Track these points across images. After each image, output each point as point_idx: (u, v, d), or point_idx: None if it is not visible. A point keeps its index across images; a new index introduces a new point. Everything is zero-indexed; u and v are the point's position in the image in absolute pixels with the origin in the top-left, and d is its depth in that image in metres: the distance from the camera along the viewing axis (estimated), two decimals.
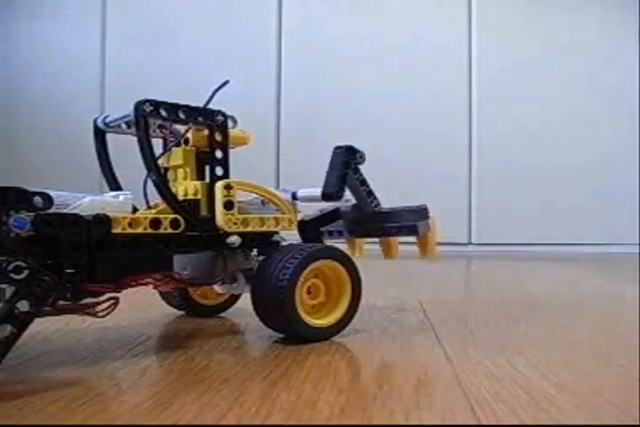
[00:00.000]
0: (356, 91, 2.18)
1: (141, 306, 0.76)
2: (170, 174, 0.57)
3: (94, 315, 0.47)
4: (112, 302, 0.47)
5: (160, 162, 0.54)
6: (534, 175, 2.18)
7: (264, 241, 0.58)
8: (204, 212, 0.54)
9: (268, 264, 0.53)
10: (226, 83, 0.55)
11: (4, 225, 0.39)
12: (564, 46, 2.20)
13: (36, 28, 2.23)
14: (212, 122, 0.54)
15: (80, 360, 0.48)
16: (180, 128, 0.57)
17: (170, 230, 0.50)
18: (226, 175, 0.55)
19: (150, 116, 0.50)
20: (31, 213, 0.41)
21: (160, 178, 0.50)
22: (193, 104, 0.53)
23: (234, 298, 0.71)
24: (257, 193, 0.57)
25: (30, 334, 0.46)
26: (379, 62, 2.19)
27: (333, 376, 0.43)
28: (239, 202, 0.55)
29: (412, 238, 0.67)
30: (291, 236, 0.60)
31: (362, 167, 0.66)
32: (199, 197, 0.54)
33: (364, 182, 0.65)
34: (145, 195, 0.54)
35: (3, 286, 0.39)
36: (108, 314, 0.47)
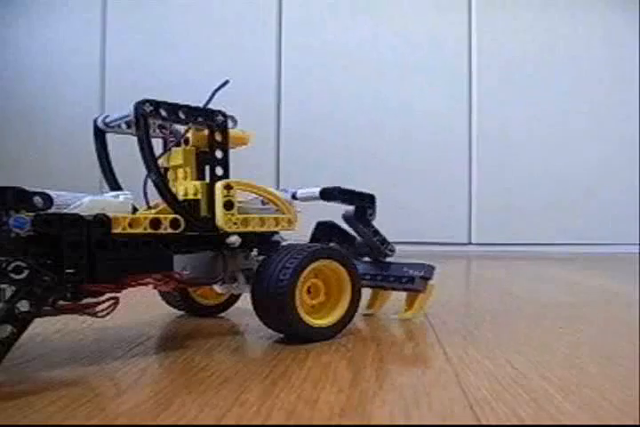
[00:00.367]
0: (356, 91, 2.18)
1: (141, 306, 0.76)
2: (170, 174, 0.57)
3: (94, 315, 0.47)
4: (112, 302, 0.47)
5: (160, 162, 0.54)
6: (534, 175, 2.19)
7: (264, 241, 0.58)
8: (204, 212, 0.54)
9: (267, 264, 0.53)
10: (226, 83, 0.55)
11: (4, 225, 0.39)
12: (564, 49, 2.20)
13: (36, 27, 2.23)
14: (212, 122, 0.54)
15: (80, 360, 0.48)
16: (180, 128, 0.57)
17: (170, 230, 0.50)
18: (226, 175, 0.55)
19: (150, 116, 0.50)
20: (31, 213, 0.41)
21: (160, 178, 0.50)
22: (193, 104, 0.53)
23: (234, 298, 0.71)
24: (257, 193, 0.57)
25: (30, 334, 0.46)
26: (379, 63, 2.19)
27: (333, 376, 0.43)
28: (239, 202, 0.55)
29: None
30: (291, 236, 0.60)
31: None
32: (199, 197, 0.54)
33: (377, 233, 0.67)
34: (145, 195, 0.54)
35: (3, 286, 0.39)
36: (108, 314, 0.47)
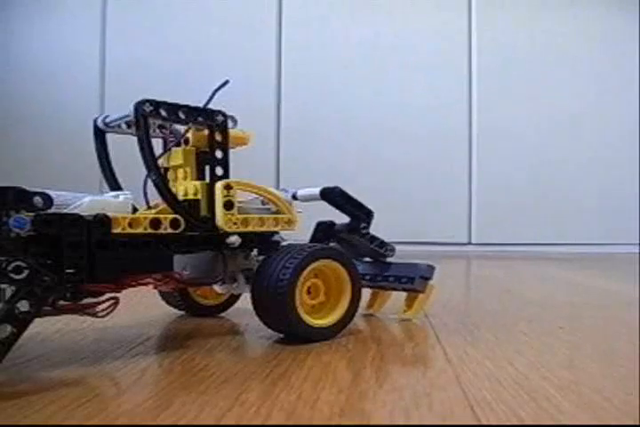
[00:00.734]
0: (356, 90, 2.18)
1: (141, 306, 0.76)
2: (170, 174, 0.57)
3: (94, 315, 0.47)
4: (112, 302, 0.47)
5: (160, 162, 0.54)
6: (534, 175, 2.19)
7: (264, 241, 0.58)
8: (204, 212, 0.54)
9: (268, 264, 0.53)
10: (226, 83, 0.55)
11: (4, 225, 0.39)
12: (564, 48, 2.20)
13: (36, 27, 2.23)
14: (212, 122, 0.54)
15: (80, 360, 0.48)
16: (180, 128, 0.57)
17: (170, 230, 0.50)
18: (226, 175, 0.55)
19: (150, 116, 0.50)
20: (31, 213, 0.41)
21: (160, 178, 0.50)
22: (193, 104, 0.53)
23: (234, 298, 0.71)
24: (257, 193, 0.57)
25: (30, 334, 0.46)
26: (379, 63, 2.19)
27: (333, 376, 0.43)
28: (239, 202, 0.55)
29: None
30: (291, 236, 0.60)
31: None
32: (199, 197, 0.54)
33: (374, 238, 0.66)
34: (145, 195, 0.54)
35: (3, 286, 0.39)
36: (108, 314, 0.47)
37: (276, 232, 0.59)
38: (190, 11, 2.19)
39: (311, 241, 0.66)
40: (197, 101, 0.54)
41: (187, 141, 0.57)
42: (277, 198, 0.58)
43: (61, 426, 0.33)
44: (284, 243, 0.59)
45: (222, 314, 0.70)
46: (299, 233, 0.61)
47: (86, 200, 0.47)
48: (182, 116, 0.52)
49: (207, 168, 0.55)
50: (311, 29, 2.20)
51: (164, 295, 0.70)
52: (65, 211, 0.45)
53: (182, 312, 0.70)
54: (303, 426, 0.33)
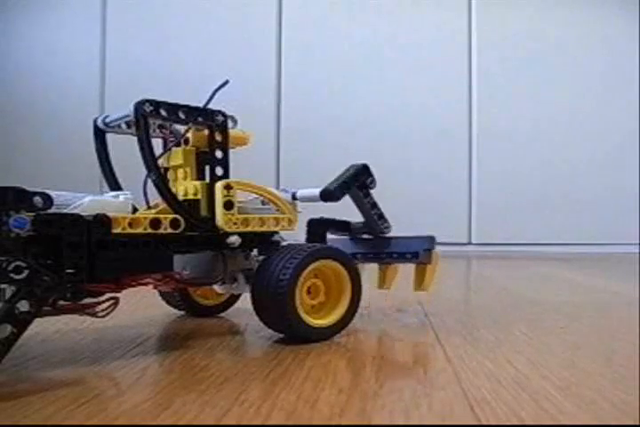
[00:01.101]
0: (356, 91, 2.18)
1: (141, 306, 0.76)
2: (170, 174, 0.57)
3: (94, 315, 0.47)
4: (112, 302, 0.47)
5: (160, 162, 0.54)
6: (534, 175, 2.19)
7: (264, 241, 0.58)
8: (204, 212, 0.54)
9: (268, 264, 0.53)
10: (226, 83, 0.55)
11: (4, 225, 0.39)
12: (565, 48, 2.20)
13: (36, 27, 2.23)
14: (212, 122, 0.54)
15: (80, 360, 0.48)
16: (180, 128, 0.57)
17: (170, 230, 0.50)
18: (226, 175, 0.55)
19: (150, 116, 0.50)
20: (31, 213, 0.41)
21: (160, 178, 0.50)
22: (193, 104, 0.53)
23: (234, 298, 0.71)
24: (257, 193, 0.57)
25: (30, 334, 0.46)
26: (378, 63, 2.19)
27: (333, 376, 0.43)
28: (239, 202, 0.55)
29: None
30: (291, 236, 0.60)
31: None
32: (199, 197, 0.54)
33: (374, 205, 0.66)
34: (145, 195, 0.54)
35: (3, 286, 0.39)
36: (107, 314, 0.47)
37: (276, 232, 0.59)
38: (190, 11, 2.19)
39: (307, 238, 0.66)
40: (197, 101, 0.54)
41: (187, 141, 0.57)
42: (277, 198, 0.58)
43: (61, 426, 0.33)
44: (283, 243, 0.59)
45: (222, 314, 0.70)
46: (298, 233, 0.61)
47: (86, 200, 0.47)
48: (182, 116, 0.52)
49: (207, 168, 0.55)
50: (311, 29, 2.20)
51: (163, 295, 0.70)
52: (65, 211, 0.45)
53: (182, 312, 0.70)
54: (303, 426, 0.33)
